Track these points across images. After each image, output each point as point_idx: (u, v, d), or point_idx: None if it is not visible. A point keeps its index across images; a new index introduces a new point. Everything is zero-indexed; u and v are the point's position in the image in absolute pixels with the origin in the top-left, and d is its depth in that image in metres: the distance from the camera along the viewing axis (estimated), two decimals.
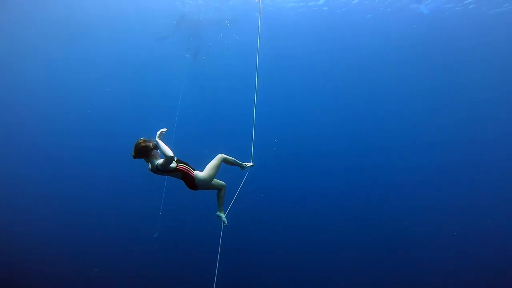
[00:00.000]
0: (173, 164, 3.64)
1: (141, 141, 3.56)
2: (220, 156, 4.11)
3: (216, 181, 4.15)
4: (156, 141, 3.44)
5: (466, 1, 11.37)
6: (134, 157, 3.59)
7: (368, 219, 11.22)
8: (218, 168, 4.03)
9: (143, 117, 13.86)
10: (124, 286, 10.20)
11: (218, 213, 4.27)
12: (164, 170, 3.58)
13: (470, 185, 10.88)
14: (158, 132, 3.52)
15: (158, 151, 3.60)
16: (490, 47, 11.70)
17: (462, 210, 10.51)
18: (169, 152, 3.37)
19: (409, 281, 9.43)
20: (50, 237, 11.01)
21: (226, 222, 4.21)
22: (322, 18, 13.35)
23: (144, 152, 3.55)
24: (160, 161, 3.55)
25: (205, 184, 3.91)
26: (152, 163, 3.61)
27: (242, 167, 4.50)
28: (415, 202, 11.18)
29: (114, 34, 14.56)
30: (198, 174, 3.86)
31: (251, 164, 4.52)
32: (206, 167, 3.98)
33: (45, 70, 14.39)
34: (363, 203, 11.78)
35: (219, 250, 3.84)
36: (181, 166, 3.75)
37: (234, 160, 4.33)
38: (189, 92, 12.87)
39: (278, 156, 12.78)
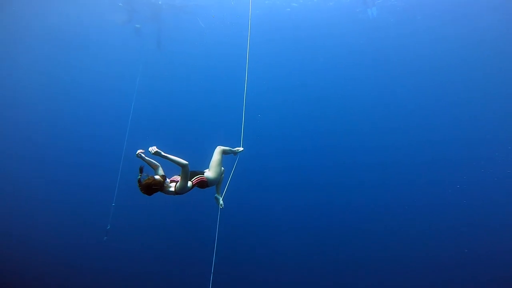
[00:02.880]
0: (189, 184, 3.74)
1: (150, 179, 3.45)
2: (219, 150, 4.33)
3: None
4: (164, 156, 3.39)
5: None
6: (149, 195, 3.51)
7: (363, 217, 11.68)
8: (221, 161, 4.28)
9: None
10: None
11: (216, 195, 4.49)
12: (183, 193, 3.68)
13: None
14: (153, 151, 3.36)
15: (168, 180, 3.67)
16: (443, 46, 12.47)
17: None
18: (183, 161, 3.45)
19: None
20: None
21: (222, 205, 4.40)
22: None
23: (160, 188, 3.54)
24: (176, 185, 3.60)
25: (215, 181, 4.16)
26: (167, 191, 3.65)
27: (235, 153, 4.81)
28: (409, 202, 11.60)
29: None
30: (209, 176, 4.05)
31: (241, 148, 4.84)
32: (211, 165, 4.19)
33: None
34: (358, 198, 12.05)
35: (216, 240, 4.22)
36: (195, 180, 3.88)
37: (229, 149, 4.62)
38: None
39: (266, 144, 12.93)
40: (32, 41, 13.47)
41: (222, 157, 4.31)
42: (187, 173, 3.54)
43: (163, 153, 3.37)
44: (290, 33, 14.25)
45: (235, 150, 4.77)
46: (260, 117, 12.72)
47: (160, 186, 3.51)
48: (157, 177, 3.54)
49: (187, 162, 3.48)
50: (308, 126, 14.20)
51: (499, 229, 10.29)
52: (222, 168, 4.47)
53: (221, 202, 4.40)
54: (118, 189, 8.06)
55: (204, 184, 3.98)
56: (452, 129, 11.76)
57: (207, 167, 4.25)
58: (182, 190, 3.63)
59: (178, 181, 3.64)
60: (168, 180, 3.69)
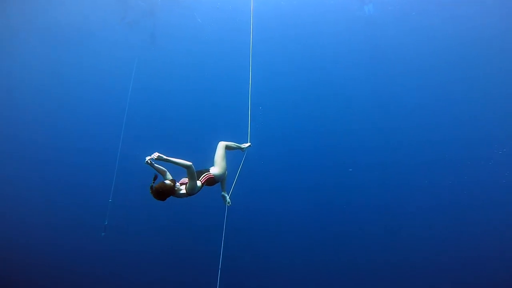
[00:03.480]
0: (199, 184, 3.73)
1: (161, 185, 3.44)
2: (222, 145, 4.27)
3: None
4: (167, 159, 3.38)
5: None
6: (162, 200, 3.49)
7: (364, 217, 11.53)
8: (225, 156, 4.23)
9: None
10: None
11: (222, 193, 4.43)
12: (194, 193, 3.69)
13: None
14: (156, 156, 3.34)
15: (178, 183, 3.67)
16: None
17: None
18: (186, 162, 3.46)
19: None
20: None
21: (230, 202, 4.36)
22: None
23: (171, 193, 3.54)
24: (187, 187, 3.62)
25: (223, 176, 4.15)
26: (179, 194, 3.65)
27: (242, 149, 4.71)
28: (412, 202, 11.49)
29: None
30: (215, 172, 4.03)
31: (249, 144, 4.74)
32: (216, 161, 4.16)
33: None
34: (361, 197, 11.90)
35: (223, 238, 4.17)
36: (204, 179, 3.87)
37: (234, 145, 4.55)
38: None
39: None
40: (23, 39, 13.09)
41: (225, 151, 4.25)
42: (193, 173, 3.50)
43: (164, 157, 3.37)
44: (284, 29, 14.09)
45: (242, 146, 4.67)
46: (262, 109, 12.49)
47: (171, 191, 3.50)
48: (167, 182, 3.49)
49: (190, 163, 3.46)
50: (305, 125, 13.90)
51: (499, 229, 10.30)
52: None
53: (228, 199, 4.35)
54: (115, 187, 8.03)
55: (212, 181, 3.94)
56: (452, 129, 11.72)
57: (211, 165, 4.18)
58: (193, 191, 3.59)
59: (187, 183, 3.59)
60: (178, 183, 3.63)
